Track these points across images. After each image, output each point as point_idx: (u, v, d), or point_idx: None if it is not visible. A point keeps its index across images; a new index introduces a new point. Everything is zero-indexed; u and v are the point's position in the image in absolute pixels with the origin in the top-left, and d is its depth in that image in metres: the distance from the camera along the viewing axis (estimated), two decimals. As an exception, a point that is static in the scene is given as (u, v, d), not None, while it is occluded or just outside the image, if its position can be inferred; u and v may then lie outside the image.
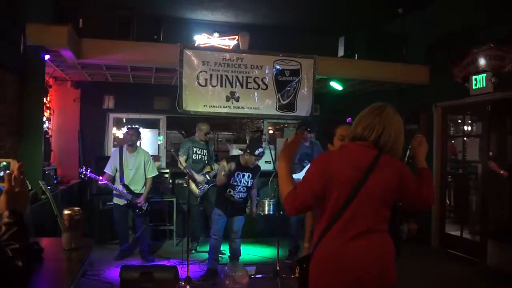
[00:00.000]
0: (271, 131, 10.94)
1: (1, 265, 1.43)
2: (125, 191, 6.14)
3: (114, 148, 6.43)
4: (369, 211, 2.14)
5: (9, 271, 1.46)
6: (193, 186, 6.53)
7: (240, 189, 5.52)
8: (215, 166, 6.84)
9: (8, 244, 1.51)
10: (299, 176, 6.33)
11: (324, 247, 2.18)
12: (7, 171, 1.63)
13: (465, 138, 7.33)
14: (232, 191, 5.51)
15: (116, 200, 6.24)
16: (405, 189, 2.24)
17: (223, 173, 5.41)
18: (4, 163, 1.67)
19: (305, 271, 2.26)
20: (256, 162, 5.47)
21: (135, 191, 6.21)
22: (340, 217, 2.14)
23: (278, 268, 5.33)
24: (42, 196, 5.37)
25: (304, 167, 6.34)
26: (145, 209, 6.25)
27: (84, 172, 5.95)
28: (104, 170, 6.24)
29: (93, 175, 5.99)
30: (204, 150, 6.86)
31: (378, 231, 2.18)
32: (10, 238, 1.53)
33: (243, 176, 5.51)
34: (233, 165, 5.37)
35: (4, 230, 1.54)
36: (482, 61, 6.18)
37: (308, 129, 6.25)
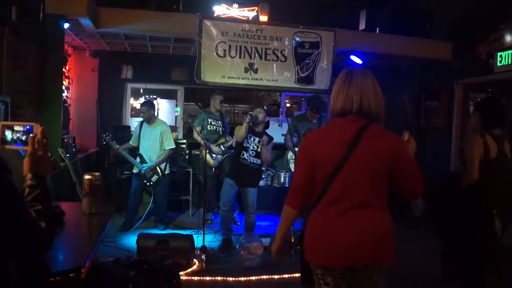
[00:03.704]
0: (288, 105, 10.86)
1: (26, 224, 1.46)
2: (136, 161, 6.24)
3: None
4: (358, 186, 2.12)
5: (33, 231, 1.48)
6: (208, 157, 6.56)
7: (251, 152, 5.61)
8: (229, 139, 6.86)
9: (31, 206, 1.54)
10: None
11: (312, 219, 2.24)
12: (31, 135, 1.64)
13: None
14: (245, 153, 5.60)
15: (134, 169, 6.38)
16: (398, 168, 2.15)
17: (244, 125, 5.53)
18: (28, 127, 1.68)
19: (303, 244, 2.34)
20: (259, 115, 5.61)
21: (150, 162, 6.29)
22: (326, 193, 2.16)
23: (292, 240, 5.36)
24: (61, 164, 5.45)
25: None
26: (154, 181, 6.29)
27: (105, 137, 6.36)
28: None
29: (111, 143, 6.35)
30: (219, 122, 6.89)
31: (372, 207, 2.15)
32: (33, 200, 1.55)
33: (253, 140, 5.62)
34: (252, 113, 5.60)
35: (28, 192, 1.57)
36: (508, 38, 6.01)
37: (314, 110, 6.21)
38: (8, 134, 1.66)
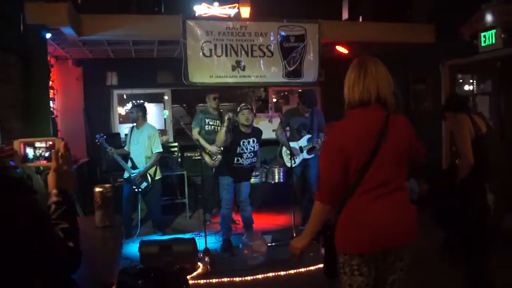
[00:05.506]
0: (275, 99, 10.84)
1: (55, 247, 1.40)
2: (127, 165, 6.15)
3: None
4: (389, 172, 2.21)
5: (62, 253, 1.43)
6: (207, 158, 6.47)
7: (247, 155, 5.53)
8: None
9: (57, 224, 1.48)
10: (295, 144, 6.26)
11: (348, 210, 2.24)
12: (53, 150, 1.60)
13: (476, 98, 7.26)
14: (240, 159, 5.51)
15: (125, 173, 6.25)
16: (413, 146, 2.31)
17: (223, 130, 5.35)
18: (50, 142, 1.64)
19: (330, 238, 2.33)
20: (249, 116, 5.45)
21: (139, 167, 6.18)
22: (360, 183, 2.19)
23: (294, 234, 5.35)
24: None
25: (302, 136, 6.28)
26: (142, 187, 6.13)
27: (99, 138, 6.10)
28: None
29: (104, 144, 6.09)
30: (217, 121, 6.67)
31: (400, 188, 2.26)
32: (59, 217, 1.49)
33: (248, 142, 5.53)
34: (230, 114, 5.36)
35: (54, 209, 1.51)
36: (490, 17, 6.06)
37: (306, 104, 6.20)
38: (30, 152, 1.61)
